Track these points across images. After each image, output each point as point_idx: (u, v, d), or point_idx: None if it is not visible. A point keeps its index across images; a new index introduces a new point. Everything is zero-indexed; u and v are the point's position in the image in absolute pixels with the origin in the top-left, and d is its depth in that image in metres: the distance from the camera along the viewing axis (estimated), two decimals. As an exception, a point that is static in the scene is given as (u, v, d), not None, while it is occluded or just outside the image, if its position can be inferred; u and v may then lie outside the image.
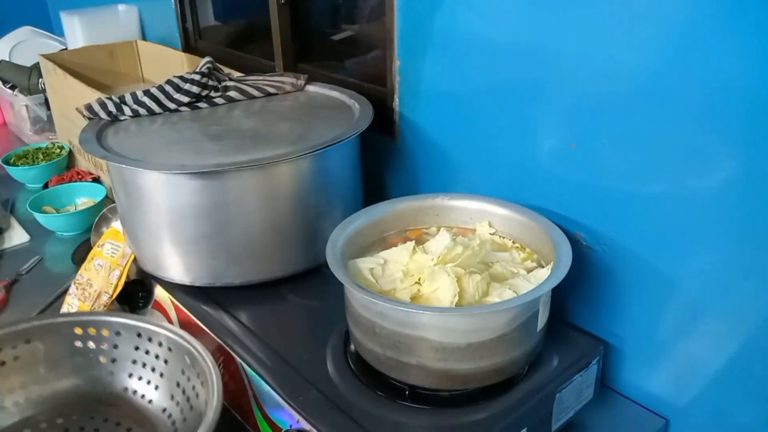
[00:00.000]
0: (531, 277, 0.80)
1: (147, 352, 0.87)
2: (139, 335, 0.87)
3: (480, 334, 0.72)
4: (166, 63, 1.67)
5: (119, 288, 1.03)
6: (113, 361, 0.89)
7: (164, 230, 0.95)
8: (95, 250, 1.09)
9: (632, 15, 0.74)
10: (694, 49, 0.70)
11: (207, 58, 1.16)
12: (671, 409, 0.87)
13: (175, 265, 0.97)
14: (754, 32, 0.65)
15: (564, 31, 0.82)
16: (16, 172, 1.62)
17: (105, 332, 0.88)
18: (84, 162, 1.59)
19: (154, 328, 0.86)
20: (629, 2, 0.74)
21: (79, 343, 0.89)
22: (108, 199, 1.39)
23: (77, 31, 1.83)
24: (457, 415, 0.74)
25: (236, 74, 1.24)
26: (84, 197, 1.45)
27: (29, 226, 1.40)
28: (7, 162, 1.63)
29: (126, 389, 0.88)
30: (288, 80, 1.19)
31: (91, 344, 0.89)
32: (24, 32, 2.08)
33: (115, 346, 0.88)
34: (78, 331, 0.88)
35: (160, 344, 0.86)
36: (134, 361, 0.88)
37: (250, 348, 0.85)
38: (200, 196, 0.90)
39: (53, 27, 2.40)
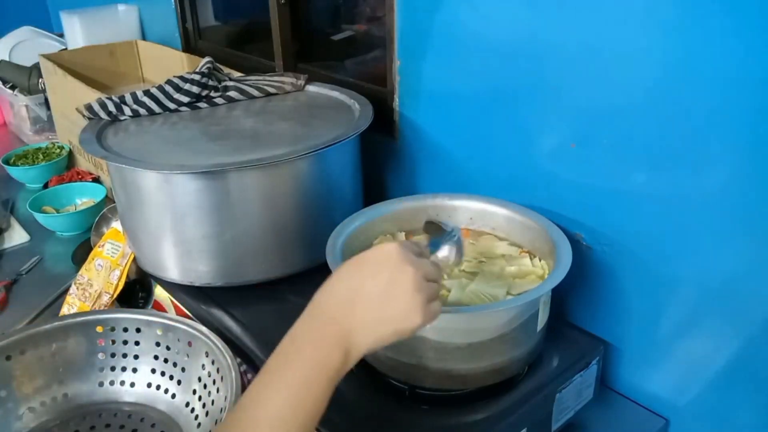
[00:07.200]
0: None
1: (168, 348, 0.88)
2: (158, 331, 0.87)
3: (480, 334, 0.72)
4: (166, 63, 1.67)
5: (120, 288, 1.03)
6: (135, 357, 0.89)
7: (164, 230, 0.95)
8: (96, 250, 1.09)
9: (633, 16, 0.74)
10: (696, 49, 0.70)
11: (207, 58, 1.16)
12: (671, 409, 0.87)
13: (175, 265, 0.97)
14: (755, 32, 0.65)
15: (565, 30, 0.82)
16: (16, 172, 1.61)
17: (126, 329, 0.89)
18: (84, 162, 1.59)
19: (173, 323, 0.86)
20: (630, 3, 0.74)
21: (101, 342, 0.89)
22: (108, 199, 1.39)
23: (77, 31, 1.83)
24: (457, 415, 0.74)
25: (236, 74, 1.24)
26: (84, 197, 1.45)
27: (29, 226, 1.39)
28: (7, 162, 1.63)
29: (149, 384, 0.88)
30: (288, 80, 1.19)
31: (113, 341, 0.89)
32: (24, 32, 2.07)
33: (137, 343, 0.89)
34: (99, 329, 0.89)
35: (179, 339, 0.86)
36: (156, 357, 0.88)
37: (251, 348, 0.85)
38: (200, 196, 0.90)
39: (53, 27, 2.40)
